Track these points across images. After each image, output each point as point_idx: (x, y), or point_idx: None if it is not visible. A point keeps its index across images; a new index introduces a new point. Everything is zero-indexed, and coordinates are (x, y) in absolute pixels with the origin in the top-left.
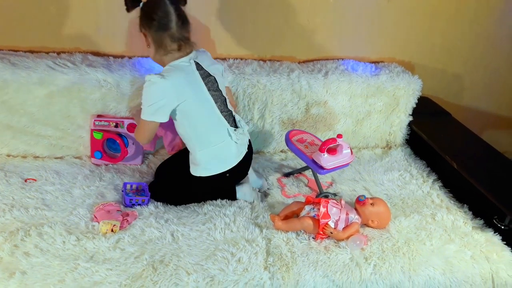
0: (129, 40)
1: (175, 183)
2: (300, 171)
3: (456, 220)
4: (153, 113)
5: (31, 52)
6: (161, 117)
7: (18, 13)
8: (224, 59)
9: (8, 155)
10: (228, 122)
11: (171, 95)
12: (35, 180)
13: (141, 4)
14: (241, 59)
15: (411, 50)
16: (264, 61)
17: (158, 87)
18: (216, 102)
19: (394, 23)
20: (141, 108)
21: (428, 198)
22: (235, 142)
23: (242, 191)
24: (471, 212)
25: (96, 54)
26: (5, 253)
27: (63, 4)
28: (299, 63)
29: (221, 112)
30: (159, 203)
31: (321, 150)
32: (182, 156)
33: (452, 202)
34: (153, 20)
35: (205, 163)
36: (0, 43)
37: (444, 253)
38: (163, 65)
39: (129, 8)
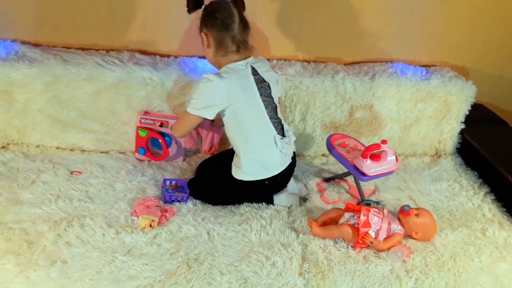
0: (176, 39)
1: (214, 182)
2: (341, 176)
3: (509, 237)
4: (201, 108)
5: (82, 49)
6: (208, 114)
7: (71, 11)
8: (268, 59)
9: (57, 148)
10: (276, 130)
11: (223, 96)
12: (80, 172)
13: (203, 6)
14: (285, 59)
15: (466, 54)
16: (308, 62)
17: (212, 86)
18: (266, 108)
19: (447, 25)
20: (186, 105)
21: (479, 211)
22: (280, 150)
23: (278, 198)
24: None
25: (143, 52)
26: (48, 242)
27: (114, 4)
28: (344, 65)
29: (270, 118)
30: (197, 200)
31: (363, 156)
32: (224, 156)
33: (505, 217)
34: (216, 19)
35: (248, 168)
36: (53, 40)
37: (494, 272)
38: (219, 67)
39: (190, 10)
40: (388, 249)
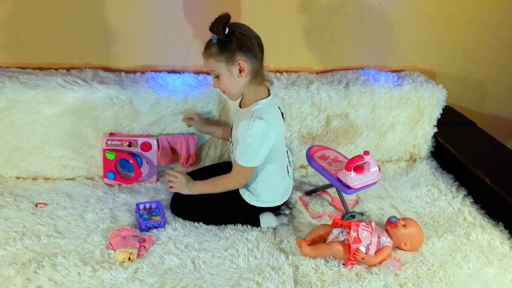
0: (141, 53)
1: (202, 200)
2: (323, 188)
3: (492, 239)
4: (256, 158)
5: (40, 69)
6: (261, 160)
7: (27, 29)
8: None
9: (18, 178)
10: (288, 157)
11: (271, 137)
12: (46, 204)
13: (227, 30)
14: None
15: (432, 58)
16: (281, 72)
17: (263, 132)
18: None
19: (414, 30)
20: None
21: (460, 215)
22: (289, 177)
23: (264, 220)
24: (507, 231)
25: (107, 69)
26: None
27: (72, 19)
28: (317, 73)
29: (285, 146)
30: (177, 224)
31: (347, 168)
32: (214, 171)
33: (485, 220)
34: (253, 44)
35: (264, 196)
36: (8, 61)
37: (483, 277)
38: (248, 97)
39: (220, 33)
40: (380, 263)
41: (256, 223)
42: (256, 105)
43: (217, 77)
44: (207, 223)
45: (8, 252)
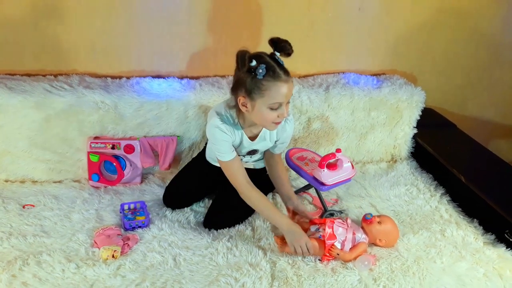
0: (126, 60)
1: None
2: (303, 189)
3: (466, 236)
4: None
5: (28, 75)
6: None
7: (14, 36)
8: (223, 76)
9: (6, 181)
10: None
11: None
12: (33, 206)
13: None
14: None
15: (412, 62)
16: None
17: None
18: None
19: (393, 34)
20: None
21: (437, 213)
22: None
23: None
24: (481, 227)
25: (94, 75)
26: (2, 284)
27: (59, 27)
28: (299, 78)
29: None
30: (164, 225)
31: (320, 166)
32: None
33: (461, 217)
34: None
35: None
36: None
37: (455, 271)
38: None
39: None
40: (355, 258)
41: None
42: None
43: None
44: (243, 220)
45: None
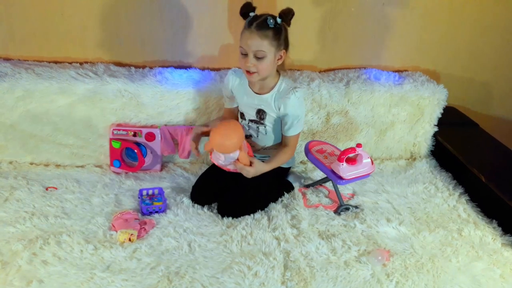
0: (150, 50)
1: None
2: (320, 182)
3: (484, 236)
4: (302, 123)
5: (55, 62)
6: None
7: (43, 24)
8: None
9: (31, 163)
10: None
11: None
12: (56, 188)
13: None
14: None
15: (436, 59)
16: (284, 70)
17: (303, 99)
18: None
19: (417, 30)
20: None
21: (454, 212)
22: None
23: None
24: (500, 228)
25: (118, 64)
26: (23, 261)
27: (86, 16)
28: (320, 72)
29: None
30: (179, 210)
31: (339, 159)
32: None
33: (480, 217)
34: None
35: (290, 159)
36: (26, 54)
37: (471, 271)
38: (270, 80)
39: (287, 24)
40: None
41: (286, 187)
42: (280, 85)
43: (259, 58)
44: (255, 211)
45: (18, 229)
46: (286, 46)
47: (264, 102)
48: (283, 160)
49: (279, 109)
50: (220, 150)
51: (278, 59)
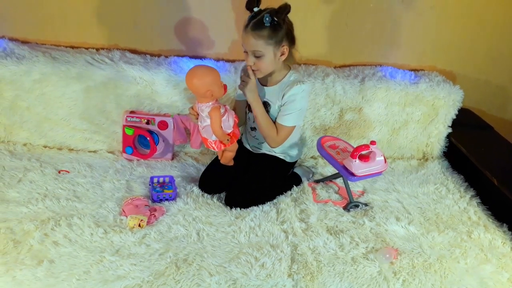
0: (166, 39)
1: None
2: (330, 178)
3: (494, 239)
4: (302, 118)
5: (72, 47)
6: (303, 119)
7: (61, 9)
8: None
9: (45, 146)
10: None
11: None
12: (68, 172)
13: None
14: None
15: (453, 59)
16: (299, 64)
17: (308, 94)
18: None
19: (436, 30)
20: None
21: (465, 214)
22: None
23: (302, 174)
24: (510, 232)
25: (134, 51)
26: (35, 241)
27: (104, 1)
28: (335, 67)
29: None
30: (189, 199)
31: (352, 156)
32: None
33: (490, 220)
34: (294, 33)
35: (293, 152)
36: (42, 38)
37: (479, 274)
38: (277, 74)
39: (282, 22)
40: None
41: (294, 180)
42: (289, 77)
43: (258, 56)
44: (263, 202)
45: (30, 210)
46: (289, 42)
47: (269, 94)
48: (267, 134)
49: (282, 97)
50: (190, 87)
51: (281, 55)
